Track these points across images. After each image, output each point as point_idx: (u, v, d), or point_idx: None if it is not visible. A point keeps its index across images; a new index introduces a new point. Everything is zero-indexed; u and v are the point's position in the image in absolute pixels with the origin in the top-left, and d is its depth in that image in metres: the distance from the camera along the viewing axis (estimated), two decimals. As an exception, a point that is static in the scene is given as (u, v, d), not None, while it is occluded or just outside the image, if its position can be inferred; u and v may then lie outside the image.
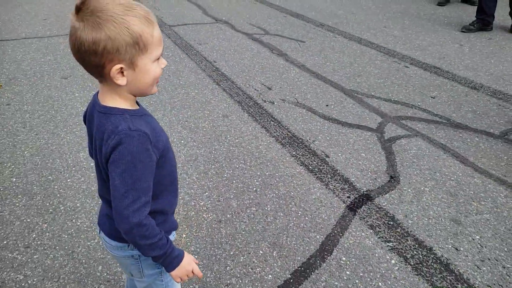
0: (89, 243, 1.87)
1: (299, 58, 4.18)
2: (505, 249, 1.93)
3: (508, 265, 1.85)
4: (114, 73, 0.88)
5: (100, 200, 1.17)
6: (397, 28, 5.21)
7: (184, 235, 1.96)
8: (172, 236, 1.18)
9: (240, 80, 3.66)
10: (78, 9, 0.86)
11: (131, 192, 0.91)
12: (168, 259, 1.02)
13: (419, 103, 3.25)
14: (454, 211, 2.16)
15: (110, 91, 0.95)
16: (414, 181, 2.40)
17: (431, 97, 3.39)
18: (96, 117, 0.96)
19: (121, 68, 0.89)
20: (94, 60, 0.87)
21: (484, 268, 1.82)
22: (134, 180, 0.90)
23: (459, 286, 1.73)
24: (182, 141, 2.73)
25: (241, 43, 4.60)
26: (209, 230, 2.00)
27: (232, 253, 1.87)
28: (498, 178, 2.43)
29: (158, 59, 0.95)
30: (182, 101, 3.28)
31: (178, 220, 2.03)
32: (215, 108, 3.19)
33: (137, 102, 1.00)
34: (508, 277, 1.78)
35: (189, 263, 1.07)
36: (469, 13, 5.48)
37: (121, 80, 0.90)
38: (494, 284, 1.75)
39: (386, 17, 5.60)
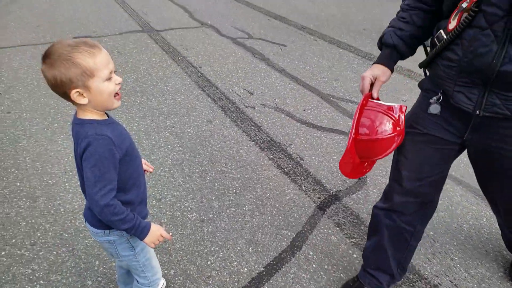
0: (87, 241, 2.13)
1: (280, 62, 4.44)
2: (454, 243, 2.23)
3: (455, 258, 2.14)
4: (74, 97, 1.17)
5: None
6: (375, 31, 5.48)
7: (170, 233, 2.22)
8: None
9: (224, 86, 3.92)
10: (43, 57, 1.17)
11: (99, 181, 1.20)
12: (138, 230, 1.31)
13: (388, 108, 3.53)
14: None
15: (81, 109, 1.24)
16: (380, 182, 2.69)
17: (403, 100, 3.67)
18: (74, 128, 1.26)
19: (78, 92, 1.17)
20: (59, 90, 1.18)
21: (434, 261, 2.12)
22: (101, 172, 1.20)
23: (411, 276, 2.02)
24: (169, 146, 2.99)
25: (225, 47, 4.83)
26: (193, 228, 2.26)
27: (212, 249, 2.14)
28: (456, 178, 2.73)
29: (111, 78, 1.20)
30: (169, 107, 3.52)
31: (165, 219, 2.30)
32: (200, 113, 3.44)
33: (106, 114, 1.30)
34: (454, 268, 2.08)
35: (157, 229, 1.37)
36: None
37: (83, 100, 1.19)
38: (441, 274, 2.04)
39: (366, 19, 5.87)
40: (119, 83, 1.24)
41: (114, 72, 1.23)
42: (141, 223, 1.32)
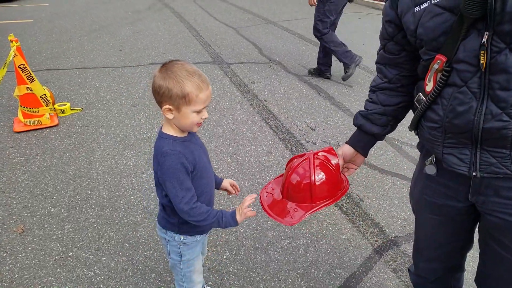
0: (145, 253, 2.20)
1: (345, 102, 4.45)
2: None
3: None
4: (164, 110, 1.32)
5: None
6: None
7: (224, 257, 2.24)
8: (195, 238, 1.55)
9: (287, 120, 3.98)
10: (162, 67, 1.32)
11: (180, 191, 1.34)
12: (223, 222, 1.43)
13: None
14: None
15: (167, 122, 1.38)
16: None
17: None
18: (157, 139, 1.41)
19: (169, 108, 1.31)
20: (157, 97, 1.33)
21: None
22: (179, 183, 1.33)
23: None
24: (230, 172, 3.06)
25: (291, 83, 4.95)
26: (246, 255, 2.27)
27: (264, 277, 2.12)
28: None
29: (200, 112, 1.33)
30: (233, 135, 3.63)
31: (220, 243, 2.33)
32: (261, 144, 3.51)
33: (189, 133, 1.43)
34: None
35: (240, 214, 1.45)
36: None
37: (169, 115, 1.33)
38: None
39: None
40: (204, 118, 1.37)
41: (207, 107, 1.36)
42: (223, 216, 1.43)
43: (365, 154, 1.52)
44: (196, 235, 1.54)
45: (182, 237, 1.51)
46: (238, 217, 1.44)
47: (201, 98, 1.29)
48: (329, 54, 5.01)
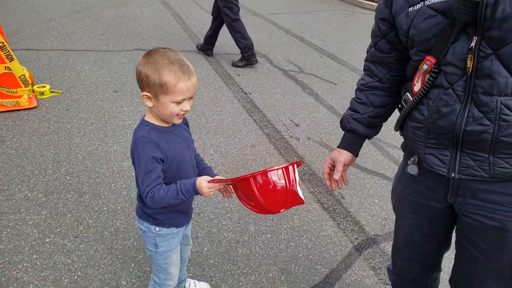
0: (125, 242, 2.17)
1: (329, 99, 4.48)
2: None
3: None
4: (143, 96, 1.32)
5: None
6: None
7: (205, 249, 2.23)
8: (170, 230, 1.51)
9: (271, 114, 3.98)
10: (146, 53, 1.32)
11: (145, 177, 1.31)
12: (185, 195, 1.33)
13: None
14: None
15: (149, 110, 1.38)
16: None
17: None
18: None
19: (148, 96, 1.30)
20: (138, 83, 1.33)
21: None
22: (145, 172, 1.31)
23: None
24: (213, 164, 3.04)
25: (276, 78, 4.94)
26: (227, 247, 2.26)
27: (245, 271, 2.12)
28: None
29: (180, 103, 1.29)
30: (216, 127, 3.60)
31: (201, 234, 2.32)
32: (245, 137, 3.49)
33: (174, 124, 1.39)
34: None
35: (202, 187, 1.32)
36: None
37: (148, 103, 1.32)
38: None
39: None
40: (185, 111, 1.33)
41: (189, 99, 1.32)
42: (182, 189, 1.33)
43: (358, 155, 1.53)
44: (172, 227, 1.51)
45: (157, 229, 1.49)
46: (198, 190, 1.34)
47: (179, 88, 1.26)
48: (216, 36, 5.31)
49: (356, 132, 1.47)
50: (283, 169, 1.26)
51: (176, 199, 1.33)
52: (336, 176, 1.47)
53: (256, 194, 1.24)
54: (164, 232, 1.50)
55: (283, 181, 1.27)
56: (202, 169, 1.60)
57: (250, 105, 4.13)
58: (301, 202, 1.32)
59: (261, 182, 1.24)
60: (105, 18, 6.58)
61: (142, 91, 1.31)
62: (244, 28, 5.07)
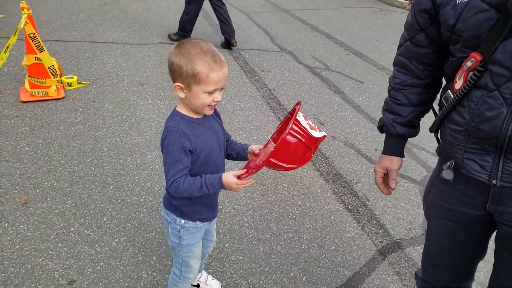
0: (147, 235, 2.17)
1: (355, 98, 4.39)
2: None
3: None
4: (175, 87, 1.31)
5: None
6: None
7: (227, 245, 2.21)
8: (195, 224, 1.51)
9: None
10: (178, 44, 1.31)
11: (171, 169, 1.32)
12: (210, 187, 1.34)
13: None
14: (482, 276, 2.26)
15: (180, 101, 1.37)
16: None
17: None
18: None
19: (180, 86, 1.29)
20: (170, 74, 1.32)
21: None
22: (173, 160, 1.30)
23: None
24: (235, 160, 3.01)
25: (301, 75, 4.88)
26: (249, 245, 2.24)
27: (266, 270, 2.09)
28: None
29: (212, 93, 1.29)
30: (240, 123, 3.58)
31: (223, 231, 2.30)
32: (268, 134, 3.45)
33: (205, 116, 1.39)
34: None
35: (229, 183, 1.34)
36: None
37: (181, 94, 1.31)
38: None
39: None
40: (216, 101, 1.32)
41: (221, 90, 1.31)
42: (207, 183, 1.34)
43: (403, 156, 1.49)
44: (197, 221, 1.51)
45: (183, 221, 1.49)
46: (224, 185, 1.36)
47: (212, 78, 1.26)
48: (227, 22, 5.38)
49: (403, 136, 1.42)
50: (291, 127, 1.26)
51: (199, 192, 1.35)
52: (393, 184, 1.45)
53: (283, 165, 1.30)
54: (189, 226, 1.50)
55: (298, 137, 1.27)
56: (240, 148, 1.59)
57: (274, 102, 4.08)
58: (322, 138, 1.34)
59: (281, 154, 1.28)
60: (132, 11, 6.64)
61: (174, 82, 1.31)
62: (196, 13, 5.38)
